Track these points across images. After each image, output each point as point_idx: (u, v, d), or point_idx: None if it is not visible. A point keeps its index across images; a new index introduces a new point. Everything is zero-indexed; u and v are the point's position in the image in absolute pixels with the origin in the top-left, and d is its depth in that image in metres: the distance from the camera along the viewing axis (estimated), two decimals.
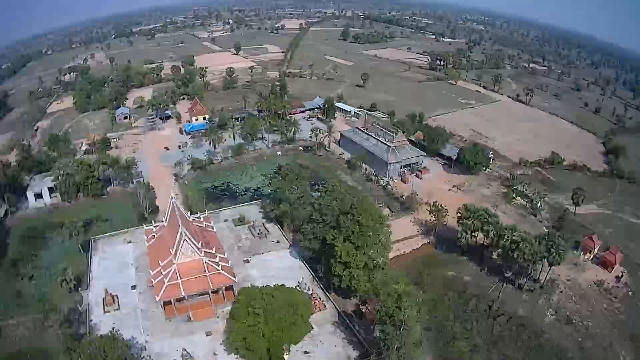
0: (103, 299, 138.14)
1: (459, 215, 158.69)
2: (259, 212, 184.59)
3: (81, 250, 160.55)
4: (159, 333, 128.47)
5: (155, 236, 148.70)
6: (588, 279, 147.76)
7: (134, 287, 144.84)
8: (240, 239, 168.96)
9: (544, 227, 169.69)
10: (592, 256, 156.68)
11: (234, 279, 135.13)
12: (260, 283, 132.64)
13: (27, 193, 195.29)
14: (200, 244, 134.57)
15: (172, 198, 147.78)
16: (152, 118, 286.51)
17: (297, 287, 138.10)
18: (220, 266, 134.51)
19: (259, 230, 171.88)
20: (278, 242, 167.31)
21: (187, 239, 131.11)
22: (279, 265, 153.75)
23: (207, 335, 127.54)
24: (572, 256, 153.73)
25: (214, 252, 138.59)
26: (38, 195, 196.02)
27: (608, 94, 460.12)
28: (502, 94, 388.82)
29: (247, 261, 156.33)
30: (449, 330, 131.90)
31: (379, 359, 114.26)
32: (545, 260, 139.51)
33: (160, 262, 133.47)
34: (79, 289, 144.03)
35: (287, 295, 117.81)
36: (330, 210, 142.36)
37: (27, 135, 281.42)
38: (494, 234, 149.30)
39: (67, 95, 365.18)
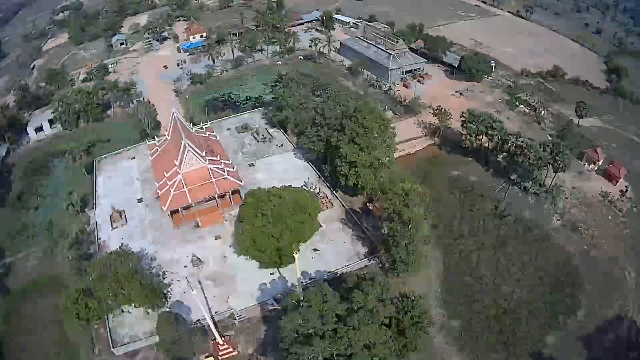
0: (110, 215, 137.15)
1: (462, 119, 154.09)
2: (262, 118, 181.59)
3: (85, 173, 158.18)
4: (168, 242, 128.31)
5: (159, 150, 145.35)
6: (593, 189, 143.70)
7: (140, 200, 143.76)
8: (245, 144, 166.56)
9: (548, 135, 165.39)
10: (596, 168, 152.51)
11: (240, 182, 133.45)
12: (267, 185, 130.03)
13: (28, 128, 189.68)
14: (204, 152, 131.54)
15: (173, 112, 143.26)
16: (149, 40, 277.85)
17: (304, 187, 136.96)
18: (225, 172, 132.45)
19: (263, 135, 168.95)
20: (282, 145, 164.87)
21: (190, 150, 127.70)
22: (284, 167, 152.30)
23: (216, 239, 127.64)
24: (576, 165, 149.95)
25: (218, 159, 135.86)
26: (39, 129, 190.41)
27: (608, 18, 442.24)
28: (501, 9, 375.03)
29: (252, 165, 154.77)
30: (455, 228, 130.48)
31: (388, 254, 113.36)
32: (550, 166, 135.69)
33: (165, 173, 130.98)
34: (86, 210, 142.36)
35: (295, 195, 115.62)
36: (333, 114, 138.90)
37: (24, 75, 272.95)
38: (498, 138, 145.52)
39: (62, 32, 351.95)
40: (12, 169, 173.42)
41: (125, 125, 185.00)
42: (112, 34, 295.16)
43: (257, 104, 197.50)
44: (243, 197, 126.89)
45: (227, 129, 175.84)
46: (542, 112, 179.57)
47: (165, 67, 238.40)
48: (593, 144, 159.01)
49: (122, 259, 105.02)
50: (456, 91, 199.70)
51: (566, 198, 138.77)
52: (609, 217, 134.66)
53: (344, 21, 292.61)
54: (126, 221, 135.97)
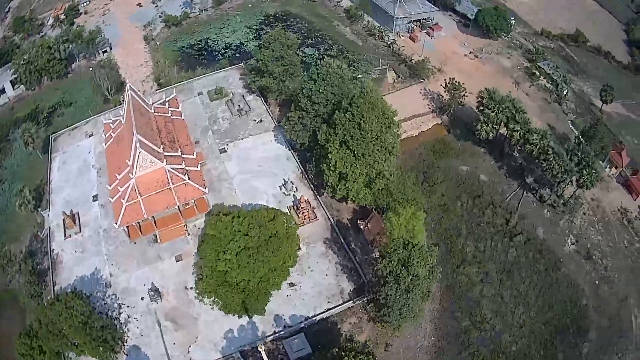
0: (63, 220, 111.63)
1: (479, 100, 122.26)
2: (240, 79, 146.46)
3: (40, 156, 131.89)
4: (124, 261, 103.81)
5: (113, 136, 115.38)
6: (612, 203, 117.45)
7: (95, 197, 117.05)
8: (217, 118, 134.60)
9: (569, 122, 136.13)
10: (617, 173, 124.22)
11: (204, 189, 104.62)
12: (239, 181, 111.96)
13: None
14: (161, 146, 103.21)
15: (128, 87, 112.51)
16: None
17: (282, 187, 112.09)
18: (186, 175, 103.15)
19: (239, 105, 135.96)
20: (261, 121, 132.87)
21: (143, 150, 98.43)
22: (261, 155, 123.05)
23: (177, 262, 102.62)
24: (599, 169, 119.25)
25: (179, 153, 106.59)
26: (1, 91, 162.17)
27: None
28: None
29: (224, 151, 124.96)
30: (459, 249, 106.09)
31: (377, 309, 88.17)
32: (574, 180, 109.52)
33: (117, 174, 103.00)
34: (39, 209, 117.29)
35: (269, 226, 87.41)
36: (323, 98, 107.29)
37: None
38: (520, 135, 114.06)
39: None
40: None
41: (89, 85, 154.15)
42: None
43: (237, 55, 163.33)
44: (208, 202, 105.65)
45: (198, 94, 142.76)
46: (565, 92, 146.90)
47: (140, 5, 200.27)
48: (616, 140, 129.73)
49: (71, 307, 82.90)
50: (470, 52, 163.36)
51: (584, 214, 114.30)
52: (625, 241, 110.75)
53: None
54: (80, 229, 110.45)
